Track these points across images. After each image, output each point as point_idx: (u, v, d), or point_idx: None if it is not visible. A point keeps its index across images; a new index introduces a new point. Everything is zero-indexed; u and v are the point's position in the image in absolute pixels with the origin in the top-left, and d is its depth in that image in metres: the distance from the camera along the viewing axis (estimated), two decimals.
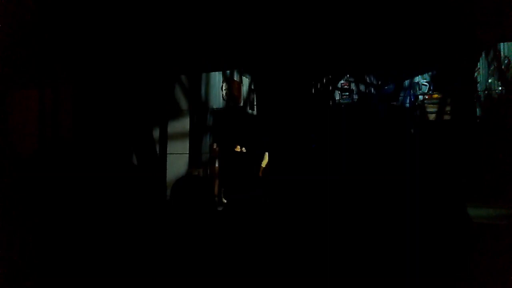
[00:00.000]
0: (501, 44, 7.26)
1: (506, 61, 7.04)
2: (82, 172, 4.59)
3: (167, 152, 6.36)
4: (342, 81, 11.57)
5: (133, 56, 5.77)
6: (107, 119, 5.87)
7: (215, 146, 8.20)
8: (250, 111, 10.35)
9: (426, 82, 10.58)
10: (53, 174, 4.58)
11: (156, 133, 6.62)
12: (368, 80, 11.60)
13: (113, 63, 5.72)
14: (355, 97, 11.28)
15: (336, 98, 11.26)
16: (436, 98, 9.69)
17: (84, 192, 4.21)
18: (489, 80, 8.19)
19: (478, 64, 9.42)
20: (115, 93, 5.97)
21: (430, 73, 10.64)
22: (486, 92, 8.25)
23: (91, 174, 4.65)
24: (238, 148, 7.48)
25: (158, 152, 6.29)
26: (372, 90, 11.43)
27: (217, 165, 7.69)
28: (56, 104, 5.87)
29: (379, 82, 11.36)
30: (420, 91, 10.46)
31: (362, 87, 11.67)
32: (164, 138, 6.44)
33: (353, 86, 11.63)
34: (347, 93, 11.37)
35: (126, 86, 6.04)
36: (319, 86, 10.75)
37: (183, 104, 7.18)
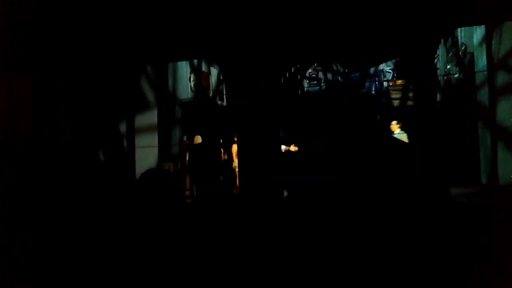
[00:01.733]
0: (459, 30, 7.58)
1: (463, 47, 7.38)
2: (42, 171, 4.39)
3: (136, 146, 6.19)
4: (310, 70, 11.70)
5: (95, 47, 5.53)
6: (69, 112, 5.62)
7: (185, 139, 8.07)
8: (219, 102, 10.25)
9: (390, 69, 10.92)
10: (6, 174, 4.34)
11: (123, 127, 6.42)
12: (335, 69, 11.80)
13: (74, 54, 5.47)
14: (323, 85, 11.46)
15: (305, 87, 11.39)
16: (400, 85, 10.03)
17: (49, 190, 4.02)
18: (448, 66, 8.56)
19: (438, 50, 9.82)
20: (78, 86, 5.72)
21: (393, 60, 10.98)
22: (445, 77, 8.63)
23: (56, 173, 4.45)
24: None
25: (125, 146, 6.12)
26: (339, 78, 11.65)
27: (187, 158, 7.59)
28: (13, 100, 5.53)
29: (346, 70, 11.59)
30: (385, 78, 10.78)
31: (329, 76, 11.87)
32: (132, 132, 6.26)
33: (321, 75, 11.79)
34: (315, 82, 11.53)
35: (89, 79, 5.80)
36: (287, 75, 10.82)
37: (150, 96, 6.98)
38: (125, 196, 4.40)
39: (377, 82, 10.86)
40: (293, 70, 11.10)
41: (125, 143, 6.24)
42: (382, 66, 11.05)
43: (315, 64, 11.65)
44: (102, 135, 6.05)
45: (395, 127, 6.43)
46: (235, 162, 7.27)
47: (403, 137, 6.30)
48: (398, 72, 10.69)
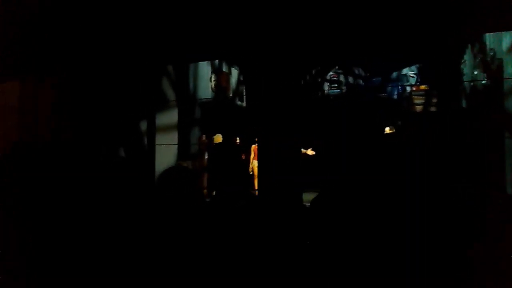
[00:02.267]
0: (487, 36, 7.36)
1: (491, 53, 7.14)
2: (70, 170, 4.51)
3: (156, 144, 6.31)
4: (331, 73, 11.58)
5: (118, 47, 5.67)
6: (93, 112, 5.78)
7: (203, 138, 8.16)
8: (239, 102, 10.31)
9: (413, 74, 10.67)
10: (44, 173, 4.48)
11: (144, 125, 6.55)
12: (356, 72, 11.64)
13: (98, 55, 5.62)
14: (344, 88, 11.33)
15: (325, 90, 11.29)
16: (423, 90, 9.79)
17: (71, 187, 4.13)
18: (475, 72, 8.32)
19: (464, 56, 9.52)
20: (101, 86, 5.87)
21: (417, 65, 10.72)
22: (471, 83, 8.38)
23: (82, 172, 4.56)
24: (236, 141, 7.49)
25: (146, 144, 6.25)
26: (361, 82, 11.49)
27: (206, 157, 7.67)
28: (36, 99, 5.70)
29: (368, 74, 11.42)
30: (408, 83, 10.55)
31: (350, 79, 11.71)
32: (152, 130, 6.39)
33: (341, 77, 11.66)
34: (336, 85, 11.41)
35: (112, 78, 5.95)
36: (308, 77, 10.75)
37: (171, 95, 7.10)
38: (145, 193, 4.48)
39: (399, 87, 10.65)
40: (313, 72, 11.02)
41: (145, 141, 6.37)
42: (405, 71, 10.82)
43: (336, 67, 11.53)
44: (123, 133, 6.19)
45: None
46: (253, 163, 7.30)
47: None
48: (422, 76, 10.45)
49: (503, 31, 5.37)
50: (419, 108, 9.72)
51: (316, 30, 5.45)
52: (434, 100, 9.51)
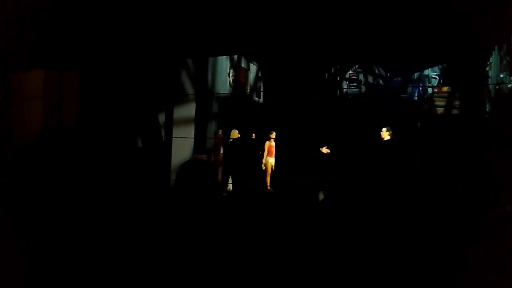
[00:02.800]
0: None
1: None
2: (85, 168, 4.58)
3: (173, 136, 6.38)
4: (350, 72, 11.44)
5: (139, 40, 5.74)
6: (113, 103, 5.88)
7: (220, 133, 8.21)
8: (256, 98, 10.30)
9: (436, 75, 10.42)
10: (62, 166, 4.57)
11: (162, 118, 6.64)
12: (376, 72, 11.46)
13: (119, 47, 5.70)
14: (363, 88, 11.18)
15: (344, 88, 11.17)
16: (446, 92, 9.54)
17: (88, 181, 4.21)
18: (501, 75, 8.05)
19: (490, 58, 9.21)
20: (121, 78, 5.96)
21: (440, 66, 10.46)
22: (497, 86, 8.12)
23: (96, 169, 4.61)
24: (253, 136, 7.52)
25: (163, 136, 6.32)
26: (380, 82, 11.30)
27: (221, 151, 7.71)
28: (61, 90, 5.80)
29: (388, 74, 11.22)
30: (430, 84, 10.31)
31: (370, 79, 11.54)
32: (170, 123, 6.46)
33: (361, 77, 11.50)
34: (355, 84, 11.26)
35: (132, 71, 6.03)
36: (327, 76, 10.65)
37: (189, 89, 7.16)
38: (161, 186, 4.55)
39: (420, 88, 10.42)
40: (332, 70, 10.91)
41: (162, 134, 6.46)
42: (427, 71, 10.58)
43: (356, 66, 11.38)
44: (141, 125, 6.28)
45: (384, 134, 6.38)
46: (266, 159, 7.31)
47: None
48: (445, 78, 10.18)
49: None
50: (440, 110, 9.49)
51: (336, 27, 5.38)
52: (456, 103, 9.27)
